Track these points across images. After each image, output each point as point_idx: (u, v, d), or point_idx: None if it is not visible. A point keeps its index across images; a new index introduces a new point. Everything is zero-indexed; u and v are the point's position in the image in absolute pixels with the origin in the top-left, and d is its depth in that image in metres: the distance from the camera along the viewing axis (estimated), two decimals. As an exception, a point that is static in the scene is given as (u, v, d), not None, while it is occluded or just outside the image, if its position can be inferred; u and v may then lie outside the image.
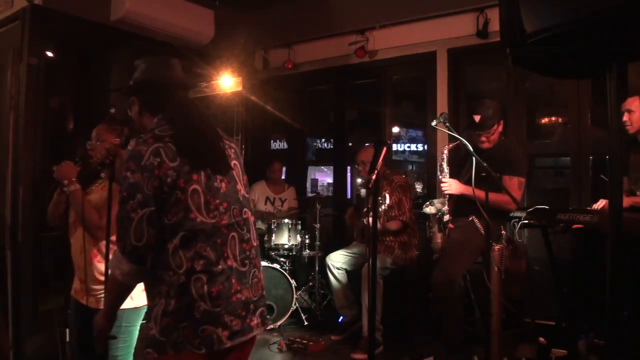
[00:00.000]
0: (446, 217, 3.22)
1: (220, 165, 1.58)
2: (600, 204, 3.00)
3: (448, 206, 3.23)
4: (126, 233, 1.43)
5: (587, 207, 3.13)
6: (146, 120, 1.64)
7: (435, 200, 3.29)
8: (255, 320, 1.57)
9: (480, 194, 2.90)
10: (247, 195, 1.67)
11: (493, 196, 2.91)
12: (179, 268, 1.45)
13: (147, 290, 1.54)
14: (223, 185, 1.56)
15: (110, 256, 1.84)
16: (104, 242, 2.17)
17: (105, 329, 1.64)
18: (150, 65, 1.69)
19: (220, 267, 1.49)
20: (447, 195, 3.22)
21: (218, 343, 1.45)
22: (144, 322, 2.41)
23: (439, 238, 3.21)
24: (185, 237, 1.45)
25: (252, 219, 1.67)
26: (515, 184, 3.15)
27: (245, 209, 1.63)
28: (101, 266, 2.15)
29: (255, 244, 1.65)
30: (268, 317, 2.03)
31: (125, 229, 1.43)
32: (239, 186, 1.63)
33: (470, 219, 3.21)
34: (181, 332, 1.43)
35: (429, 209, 3.27)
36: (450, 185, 3.20)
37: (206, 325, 1.45)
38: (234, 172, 1.63)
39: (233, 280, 1.51)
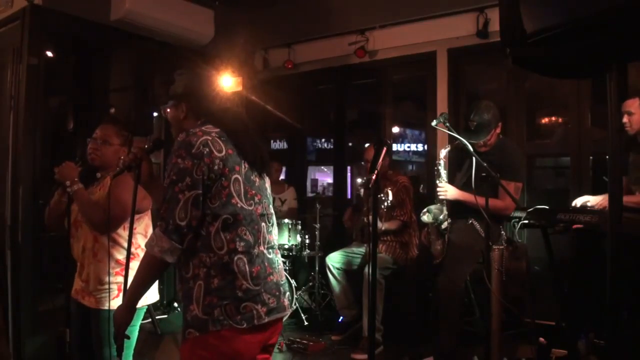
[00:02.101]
0: (444, 225, 3.20)
1: (257, 163, 1.74)
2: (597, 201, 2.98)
3: (447, 210, 3.21)
4: (172, 212, 1.55)
5: (587, 207, 3.12)
6: (188, 123, 1.77)
7: (432, 207, 3.26)
8: (286, 301, 1.72)
9: (479, 200, 2.86)
10: (270, 195, 1.83)
11: (490, 202, 2.85)
12: (220, 249, 1.59)
13: (180, 275, 1.64)
14: (257, 179, 1.74)
15: (132, 252, 1.86)
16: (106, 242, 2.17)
17: (127, 321, 1.67)
18: (198, 76, 1.83)
19: (257, 250, 1.65)
20: (444, 201, 3.21)
21: (258, 318, 1.59)
22: (143, 321, 2.41)
23: (438, 244, 3.20)
24: (227, 220, 1.60)
25: (273, 215, 1.82)
26: (511, 189, 3.10)
27: (270, 206, 1.80)
28: (103, 266, 2.15)
29: (272, 238, 1.78)
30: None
31: (172, 209, 1.56)
32: (267, 185, 1.83)
33: (470, 221, 3.18)
34: (223, 309, 1.56)
35: (426, 217, 3.25)
36: (447, 191, 3.18)
37: (247, 302, 1.58)
38: (265, 173, 1.82)
39: (266, 264, 1.67)
